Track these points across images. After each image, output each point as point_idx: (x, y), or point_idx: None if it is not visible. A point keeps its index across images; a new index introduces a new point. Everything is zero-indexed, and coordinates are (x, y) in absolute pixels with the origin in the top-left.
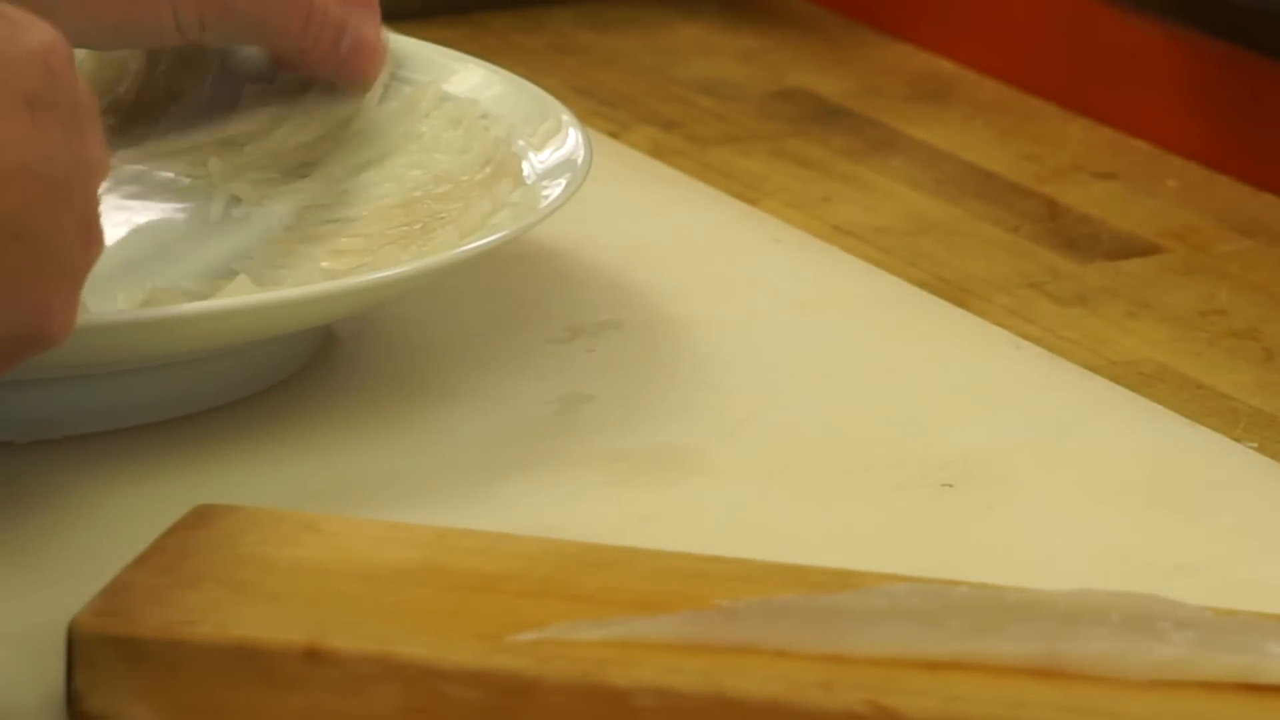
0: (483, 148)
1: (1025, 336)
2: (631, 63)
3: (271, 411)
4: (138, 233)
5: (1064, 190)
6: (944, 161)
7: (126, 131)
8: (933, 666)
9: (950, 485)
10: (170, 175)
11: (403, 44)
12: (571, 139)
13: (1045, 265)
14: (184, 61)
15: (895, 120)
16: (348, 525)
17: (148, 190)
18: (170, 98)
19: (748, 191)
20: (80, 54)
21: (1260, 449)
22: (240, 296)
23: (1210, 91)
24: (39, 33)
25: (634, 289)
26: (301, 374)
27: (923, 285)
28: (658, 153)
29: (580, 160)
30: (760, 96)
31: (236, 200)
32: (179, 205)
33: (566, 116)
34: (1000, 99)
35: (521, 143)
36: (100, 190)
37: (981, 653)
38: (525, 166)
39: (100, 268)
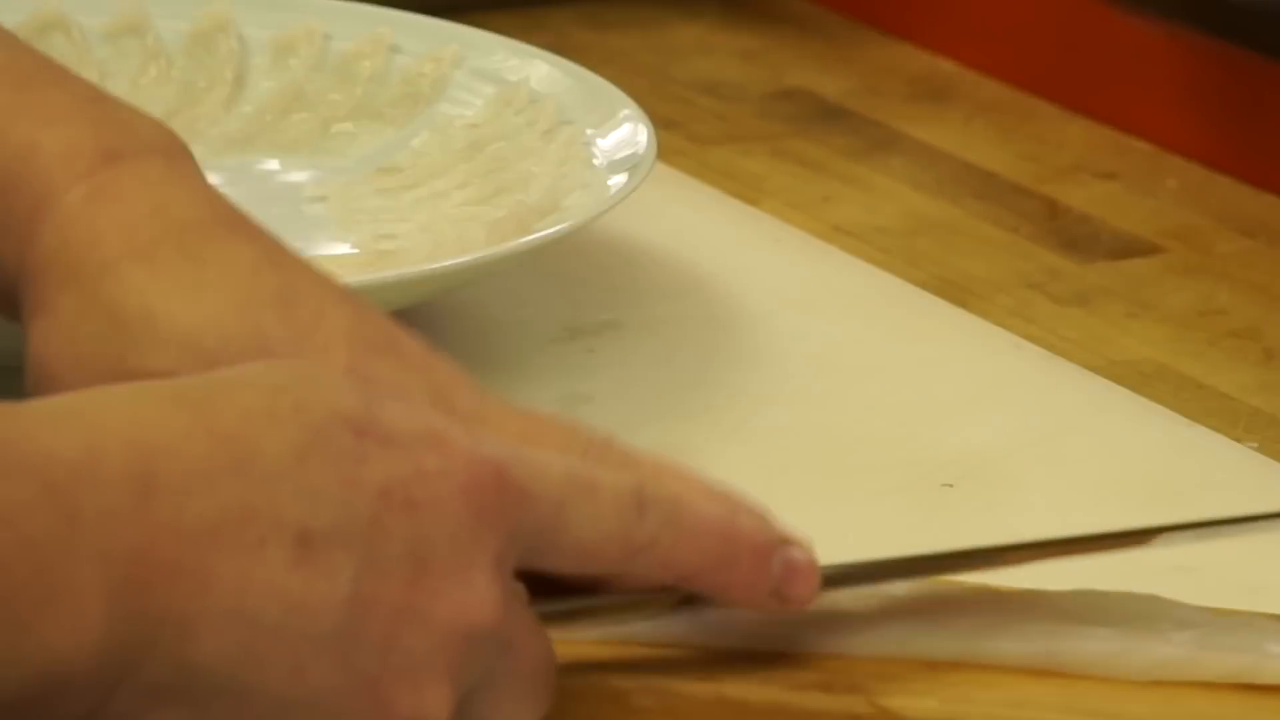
0: (558, 141)
1: (1025, 336)
2: (631, 63)
3: None
4: None
5: (1064, 190)
6: (944, 161)
7: None
8: (933, 666)
9: (950, 485)
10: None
11: (467, 34)
12: (633, 130)
13: (1045, 265)
14: None
15: (895, 120)
16: None
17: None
18: None
19: (748, 191)
20: None
21: (1260, 449)
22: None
23: (1210, 91)
24: (397, 462)
25: (634, 289)
26: None
27: (923, 285)
28: (658, 153)
29: (643, 149)
30: (760, 96)
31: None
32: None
33: (629, 110)
34: (1000, 99)
35: (590, 132)
36: None
37: (981, 653)
38: (595, 154)
39: None
